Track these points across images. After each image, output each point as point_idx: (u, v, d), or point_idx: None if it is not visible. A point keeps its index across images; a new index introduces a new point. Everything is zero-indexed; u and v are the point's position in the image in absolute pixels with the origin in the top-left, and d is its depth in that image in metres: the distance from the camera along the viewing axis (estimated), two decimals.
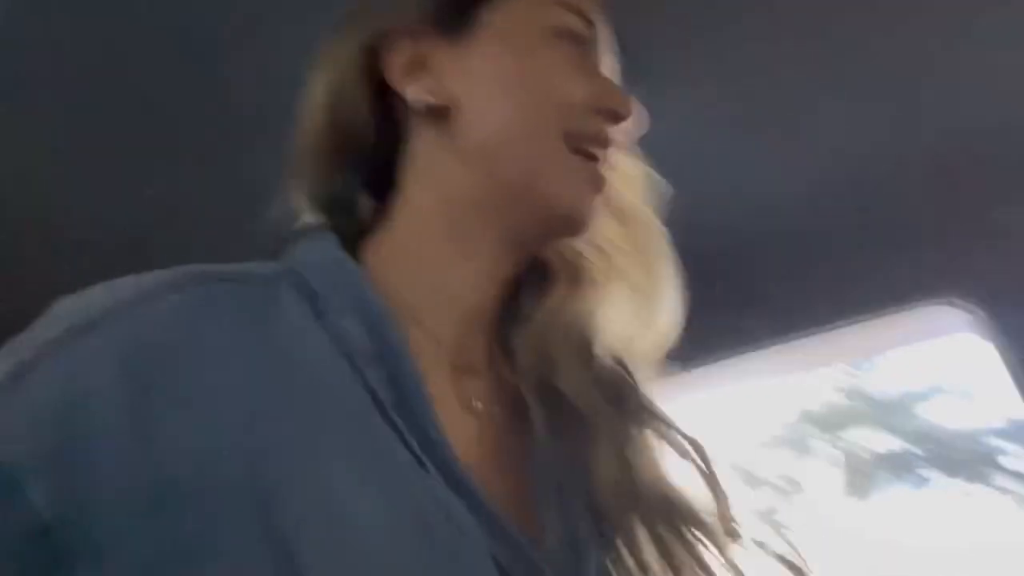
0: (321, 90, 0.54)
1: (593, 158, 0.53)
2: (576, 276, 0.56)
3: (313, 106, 0.55)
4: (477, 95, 0.52)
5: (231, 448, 0.37)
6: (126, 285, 0.42)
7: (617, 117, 0.54)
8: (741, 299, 0.79)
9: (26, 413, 0.36)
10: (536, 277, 0.56)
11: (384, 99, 0.54)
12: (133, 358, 0.38)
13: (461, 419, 0.50)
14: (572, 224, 0.53)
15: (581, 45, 0.54)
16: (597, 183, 0.53)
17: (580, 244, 0.56)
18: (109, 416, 0.36)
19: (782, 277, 1.21)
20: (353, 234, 0.53)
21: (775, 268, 1.19)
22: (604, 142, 0.53)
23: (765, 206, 1.14)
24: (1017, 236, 1.07)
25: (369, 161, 0.54)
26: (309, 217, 0.55)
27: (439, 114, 0.52)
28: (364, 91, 0.53)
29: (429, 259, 0.53)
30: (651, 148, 0.60)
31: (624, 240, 0.57)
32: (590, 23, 0.55)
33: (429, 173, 0.54)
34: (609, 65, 0.57)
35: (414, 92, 0.52)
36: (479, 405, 0.52)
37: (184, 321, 0.40)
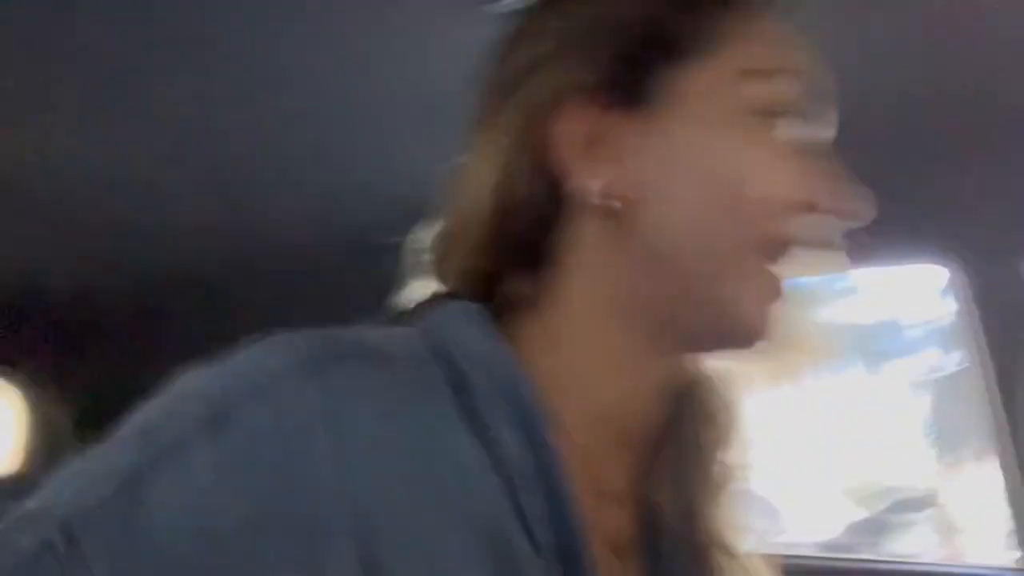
0: (486, 168, 0.44)
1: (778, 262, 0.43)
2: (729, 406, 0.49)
3: (477, 185, 0.45)
4: (660, 189, 0.43)
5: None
6: (251, 367, 0.36)
7: (843, 217, 0.44)
8: None
9: (144, 541, 0.31)
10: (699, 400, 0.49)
11: (546, 171, 0.44)
12: (262, 473, 0.32)
13: (607, 564, 0.42)
14: (751, 339, 0.44)
15: (793, 123, 0.43)
16: (780, 292, 0.44)
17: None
18: (231, 550, 0.31)
19: None
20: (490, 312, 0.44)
21: None
22: (805, 243, 0.44)
23: None
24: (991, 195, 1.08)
25: (523, 237, 0.45)
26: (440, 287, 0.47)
27: (605, 209, 0.43)
28: (533, 170, 0.43)
29: (582, 363, 0.44)
30: None
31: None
32: (803, 89, 0.43)
33: (596, 265, 0.44)
34: (828, 142, 0.46)
35: (589, 181, 0.43)
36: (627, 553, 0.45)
37: (320, 416, 0.34)
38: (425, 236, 0.48)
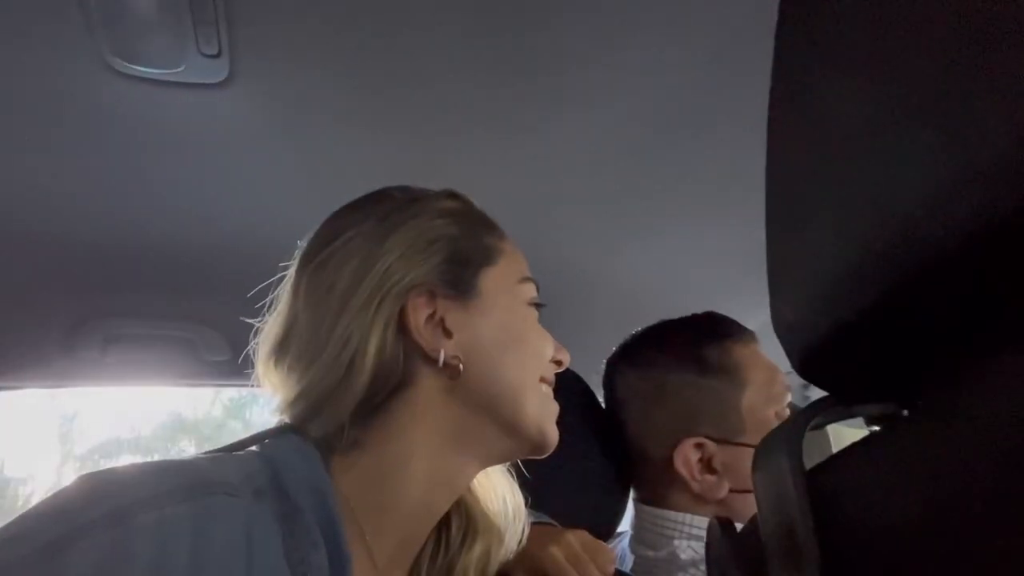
0: (372, 339, 0.58)
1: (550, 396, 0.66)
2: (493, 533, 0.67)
3: (361, 353, 0.57)
4: (482, 354, 0.61)
5: None
6: (147, 481, 0.46)
7: (562, 366, 0.68)
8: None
9: None
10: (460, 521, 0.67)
11: (400, 344, 0.59)
12: (156, 557, 0.42)
13: None
14: (545, 446, 0.65)
15: (536, 302, 0.67)
16: (556, 413, 0.66)
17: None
18: None
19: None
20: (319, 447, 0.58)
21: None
22: (552, 384, 0.67)
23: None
24: None
25: (374, 391, 0.58)
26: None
27: (452, 371, 0.59)
28: (393, 342, 0.59)
29: (401, 485, 0.58)
30: None
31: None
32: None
33: (427, 411, 0.60)
34: None
35: (434, 346, 0.59)
36: None
37: (189, 534, 0.44)
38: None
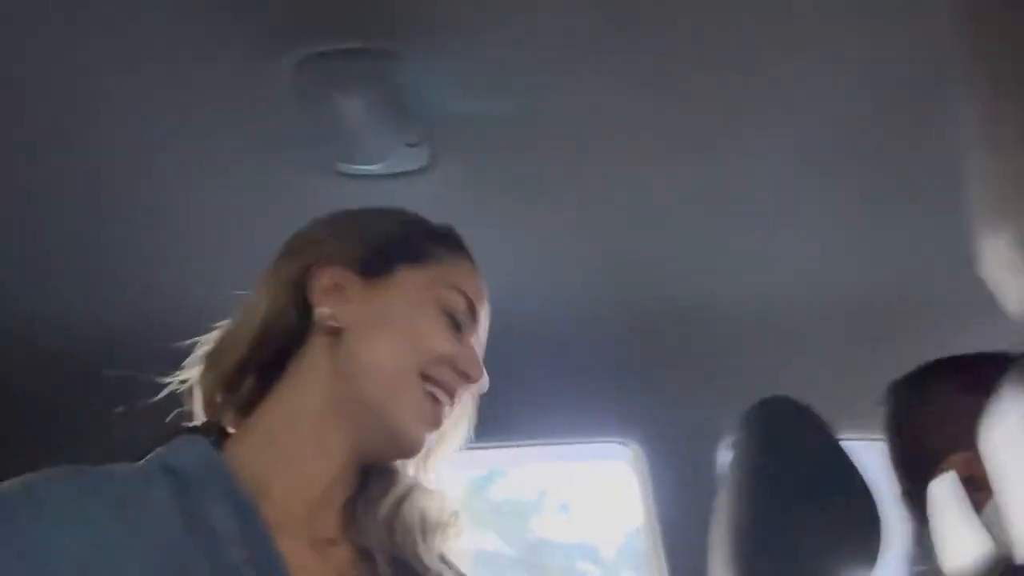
0: (262, 304, 0.67)
1: (438, 402, 0.67)
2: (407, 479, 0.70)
3: (249, 318, 0.67)
4: (366, 325, 0.66)
5: None
6: (15, 481, 0.57)
7: (468, 379, 0.68)
8: None
9: None
10: (381, 470, 0.70)
11: (301, 305, 0.68)
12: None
13: None
14: (407, 451, 0.67)
15: (458, 323, 0.69)
16: (436, 422, 0.67)
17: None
18: None
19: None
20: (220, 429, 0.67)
21: None
22: (452, 393, 0.68)
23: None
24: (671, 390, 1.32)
25: (272, 350, 0.67)
26: (197, 414, 0.68)
27: (334, 332, 0.66)
28: (295, 303, 0.67)
29: (289, 450, 0.64)
30: None
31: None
32: (474, 312, 0.71)
33: (309, 377, 0.66)
34: (480, 342, 0.73)
35: (322, 310, 0.66)
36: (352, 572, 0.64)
37: (46, 495, 0.54)
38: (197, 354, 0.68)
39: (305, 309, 0.67)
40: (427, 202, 0.90)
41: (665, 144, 0.93)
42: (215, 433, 0.66)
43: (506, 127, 0.89)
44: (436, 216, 0.76)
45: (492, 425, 1.31)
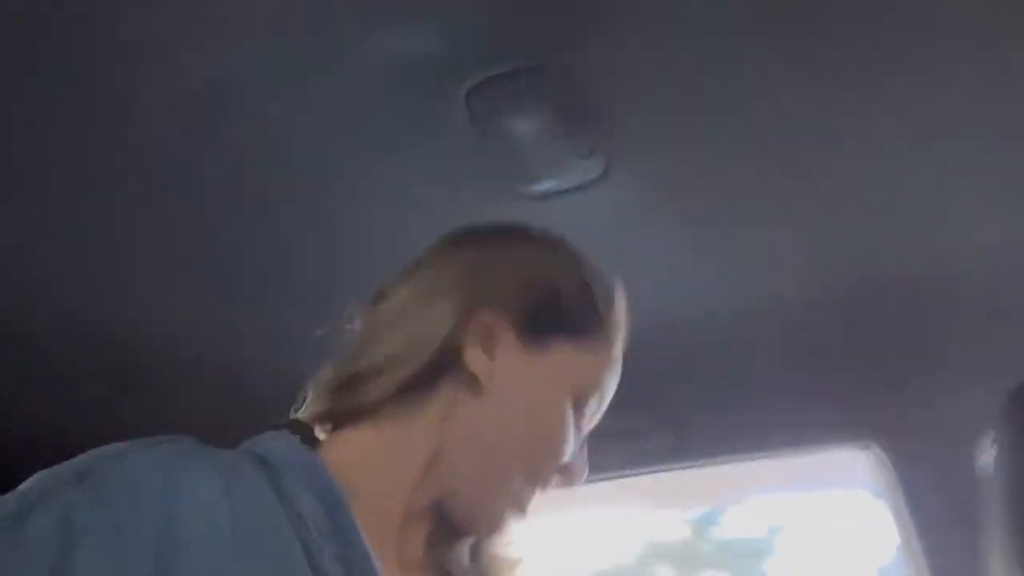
0: (412, 323, 0.61)
1: (532, 494, 0.61)
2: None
3: (406, 337, 0.60)
4: (505, 396, 0.60)
5: None
6: (109, 448, 0.51)
7: (571, 483, 0.63)
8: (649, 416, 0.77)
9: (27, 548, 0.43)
10: None
11: (450, 340, 0.60)
12: (113, 506, 0.46)
13: None
14: (482, 532, 0.62)
15: (584, 412, 0.63)
16: (522, 510, 0.61)
17: None
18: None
19: (694, 398, 1.17)
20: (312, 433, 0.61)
21: (687, 388, 1.14)
22: (547, 486, 0.62)
23: (686, 320, 1.09)
24: (920, 386, 1.14)
25: (417, 376, 0.60)
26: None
27: (473, 386, 0.60)
28: (447, 336, 0.60)
29: (379, 468, 0.59)
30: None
31: None
32: (600, 406, 0.65)
33: (437, 420, 0.59)
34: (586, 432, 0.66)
35: (477, 355, 0.60)
36: None
37: (160, 466, 0.48)
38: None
39: (451, 342, 0.60)
40: (607, 214, 0.88)
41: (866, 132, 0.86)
42: (305, 434, 0.60)
43: (681, 121, 0.85)
44: (619, 226, 0.73)
45: (709, 442, 1.27)
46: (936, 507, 1.14)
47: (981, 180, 0.94)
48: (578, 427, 0.62)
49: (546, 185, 0.92)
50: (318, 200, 0.97)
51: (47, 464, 0.49)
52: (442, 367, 0.59)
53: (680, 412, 1.21)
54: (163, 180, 0.92)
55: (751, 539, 2.94)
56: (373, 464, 0.58)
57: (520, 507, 0.61)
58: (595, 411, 0.64)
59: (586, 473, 0.63)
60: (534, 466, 0.60)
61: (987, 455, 0.73)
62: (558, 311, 0.62)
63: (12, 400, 1.25)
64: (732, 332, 1.14)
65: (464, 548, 0.63)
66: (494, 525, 0.61)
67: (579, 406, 0.62)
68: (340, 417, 0.61)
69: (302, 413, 0.62)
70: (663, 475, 1.31)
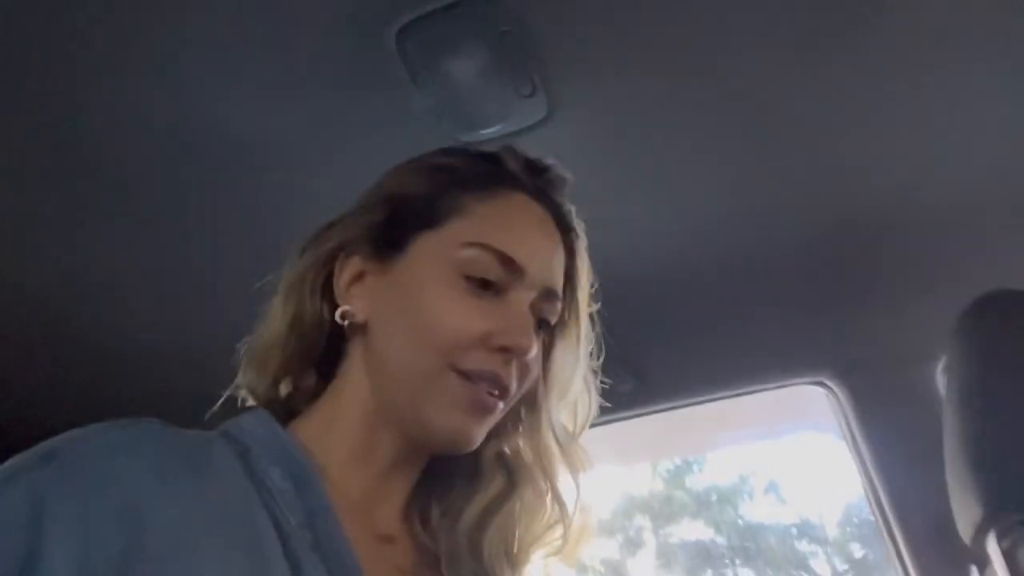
0: (286, 303, 0.62)
1: (479, 391, 0.58)
2: (508, 479, 0.63)
3: (278, 316, 0.62)
4: (384, 318, 0.60)
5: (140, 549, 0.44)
6: (73, 432, 0.51)
7: (511, 352, 0.58)
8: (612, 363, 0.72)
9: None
10: (467, 468, 0.63)
11: (328, 302, 0.62)
12: (77, 481, 0.46)
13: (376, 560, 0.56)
14: (454, 445, 0.59)
15: (490, 284, 0.59)
16: (483, 407, 0.58)
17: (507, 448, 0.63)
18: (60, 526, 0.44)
19: (649, 342, 1.17)
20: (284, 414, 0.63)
21: (642, 332, 1.13)
22: (495, 378, 0.58)
23: (637, 263, 1.08)
24: (871, 320, 1.15)
25: (310, 350, 0.63)
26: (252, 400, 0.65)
27: (362, 329, 0.61)
28: (322, 304, 0.62)
29: (343, 439, 0.60)
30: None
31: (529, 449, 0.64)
32: (511, 264, 0.59)
33: (352, 375, 0.61)
34: (527, 301, 0.61)
35: (346, 307, 0.60)
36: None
37: (124, 444, 0.49)
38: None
39: (328, 314, 0.62)
40: (550, 153, 0.85)
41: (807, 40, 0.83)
42: (281, 412, 0.62)
43: (626, 53, 0.82)
44: (572, 167, 0.71)
45: (669, 387, 1.26)
46: (892, 438, 1.16)
47: (915, 121, 0.93)
48: (490, 289, 0.59)
49: (489, 131, 0.89)
50: (250, 158, 0.93)
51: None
52: (334, 333, 0.62)
53: (638, 357, 1.20)
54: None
55: (725, 487, 2.99)
56: (334, 441, 0.60)
57: (470, 405, 0.58)
58: (503, 268, 0.59)
59: (530, 338, 0.58)
60: (445, 354, 0.57)
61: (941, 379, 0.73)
62: (402, 216, 0.62)
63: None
64: (684, 275, 1.13)
65: (468, 520, 0.61)
66: (454, 429, 0.58)
67: (473, 273, 0.58)
68: (306, 401, 0.64)
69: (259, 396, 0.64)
70: (628, 423, 1.30)
